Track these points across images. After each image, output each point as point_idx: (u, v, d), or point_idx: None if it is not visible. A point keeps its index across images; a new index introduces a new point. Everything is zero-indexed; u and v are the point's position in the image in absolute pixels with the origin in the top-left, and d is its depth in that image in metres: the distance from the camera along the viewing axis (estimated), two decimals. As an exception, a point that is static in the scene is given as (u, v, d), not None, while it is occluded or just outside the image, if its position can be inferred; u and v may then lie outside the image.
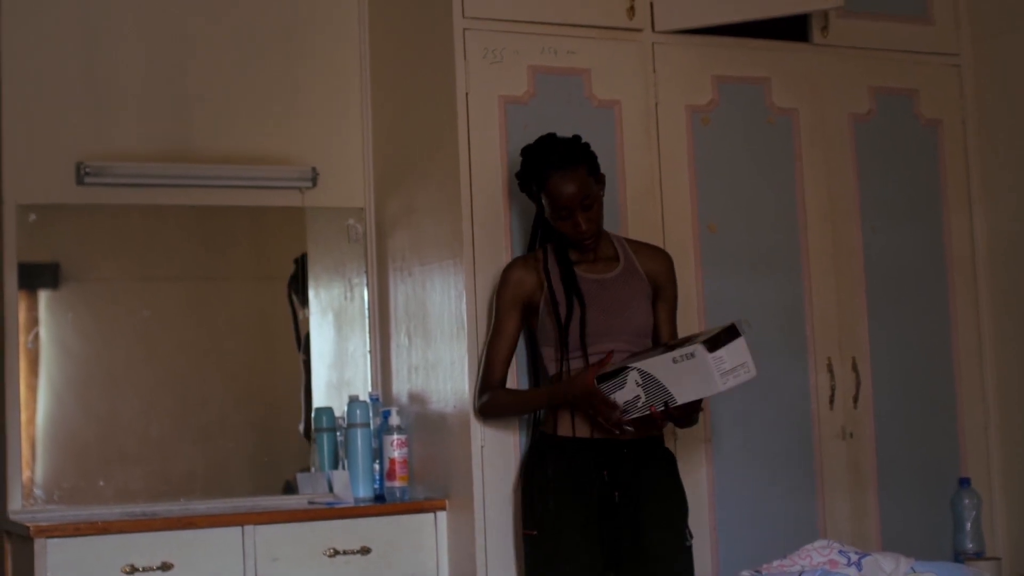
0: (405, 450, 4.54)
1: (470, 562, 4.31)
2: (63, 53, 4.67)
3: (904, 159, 5.03)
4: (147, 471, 4.62)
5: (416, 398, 4.63)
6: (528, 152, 4.14)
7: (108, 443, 4.61)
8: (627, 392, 3.86)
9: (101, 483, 4.56)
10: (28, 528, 4.07)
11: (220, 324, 4.80)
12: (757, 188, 4.78)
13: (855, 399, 4.82)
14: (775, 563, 3.51)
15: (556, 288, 4.09)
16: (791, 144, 4.83)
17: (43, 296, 4.60)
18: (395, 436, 4.53)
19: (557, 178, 4.01)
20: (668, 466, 4.15)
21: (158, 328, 4.71)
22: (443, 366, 4.45)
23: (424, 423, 4.59)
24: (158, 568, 4.13)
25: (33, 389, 4.54)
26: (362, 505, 4.51)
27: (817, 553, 3.51)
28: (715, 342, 3.76)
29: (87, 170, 4.60)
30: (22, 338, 4.53)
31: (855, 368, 4.83)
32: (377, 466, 4.62)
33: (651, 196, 4.59)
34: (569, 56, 4.53)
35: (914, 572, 3.38)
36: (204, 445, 4.71)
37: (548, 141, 4.12)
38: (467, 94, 4.39)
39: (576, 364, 4.04)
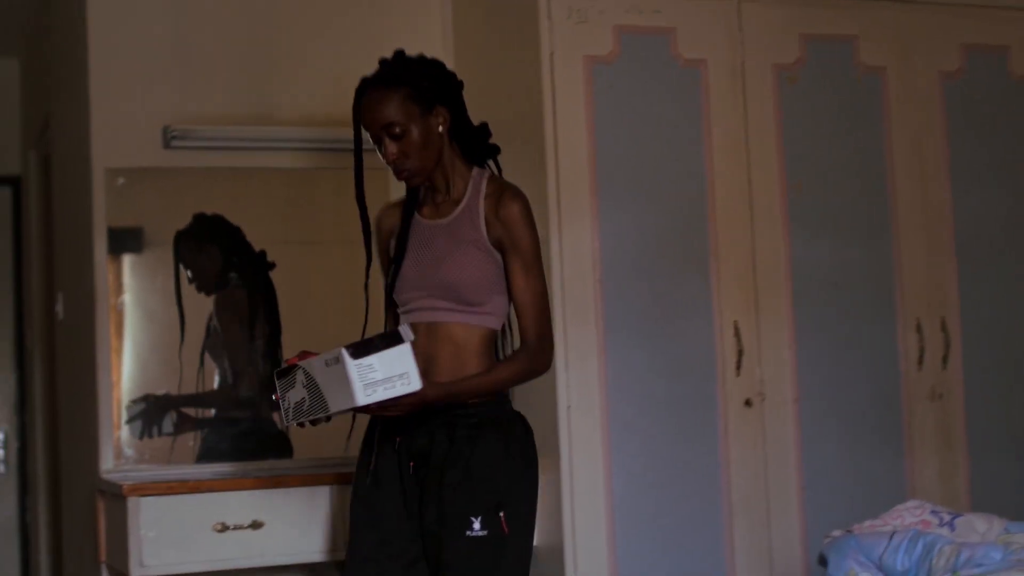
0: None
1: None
2: (150, 18, 4.71)
3: (995, 117, 4.96)
4: (236, 431, 4.66)
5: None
6: None
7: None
8: (298, 392, 3.32)
9: (191, 443, 4.61)
10: (121, 487, 4.12)
11: (304, 288, 4.82)
12: (845, 148, 4.73)
13: (944, 360, 4.77)
14: (866, 523, 3.50)
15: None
16: (879, 103, 4.77)
17: (127, 260, 4.64)
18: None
19: (364, 101, 3.48)
20: (475, 438, 3.42)
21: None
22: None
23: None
24: (248, 527, 4.16)
25: (118, 352, 4.58)
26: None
27: (909, 513, 3.50)
28: (365, 347, 3.15)
29: (174, 133, 4.63)
30: (111, 301, 4.57)
31: (944, 328, 4.79)
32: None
33: (737, 155, 4.55)
34: (655, 15, 4.49)
35: (1008, 532, 3.36)
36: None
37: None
38: (552, 54, 4.37)
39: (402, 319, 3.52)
